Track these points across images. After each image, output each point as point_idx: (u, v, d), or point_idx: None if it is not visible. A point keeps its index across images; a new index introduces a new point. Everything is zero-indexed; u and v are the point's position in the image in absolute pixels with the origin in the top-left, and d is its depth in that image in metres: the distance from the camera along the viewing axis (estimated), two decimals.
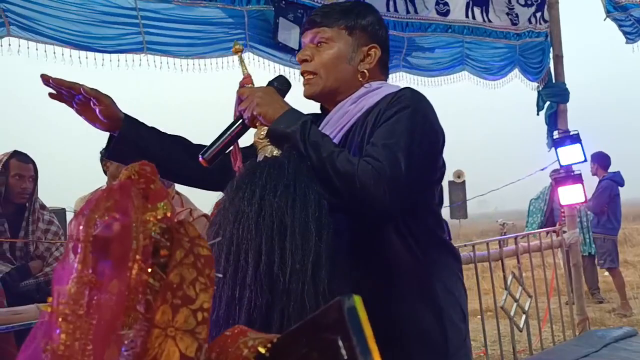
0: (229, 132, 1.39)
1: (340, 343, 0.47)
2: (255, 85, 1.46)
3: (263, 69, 4.15)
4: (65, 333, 0.51)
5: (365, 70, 1.53)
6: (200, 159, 1.37)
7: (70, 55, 3.31)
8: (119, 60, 3.46)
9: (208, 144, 1.47)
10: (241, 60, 1.48)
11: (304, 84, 1.53)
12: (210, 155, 1.38)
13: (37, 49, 3.28)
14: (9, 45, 3.20)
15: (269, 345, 0.57)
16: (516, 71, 5.01)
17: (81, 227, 0.56)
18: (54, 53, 3.33)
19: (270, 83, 1.46)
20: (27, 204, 3.20)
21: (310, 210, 1.18)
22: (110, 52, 3.51)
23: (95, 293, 0.54)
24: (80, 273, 0.54)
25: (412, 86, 5.09)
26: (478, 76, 4.85)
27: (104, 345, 0.53)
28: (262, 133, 1.36)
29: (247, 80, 1.43)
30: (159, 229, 0.60)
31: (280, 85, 1.46)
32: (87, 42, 3.41)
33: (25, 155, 3.26)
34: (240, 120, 1.38)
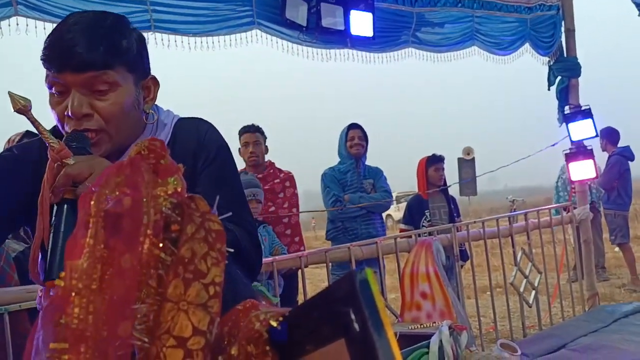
0: (61, 232, 0.93)
1: (352, 316, 0.47)
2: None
3: (271, 47, 4.13)
4: (79, 307, 0.52)
5: (150, 111, 1.26)
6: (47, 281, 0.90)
7: None
8: None
9: None
10: (34, 121, 1.03)
11: None
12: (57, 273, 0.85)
13: (44, 28, 3.28)
14: (17, 24, 3.20)
15: (280, 318, 0.57)
16: (527, 46, 4.94)
17: (92, 203, 0.56)
18: None
19: (78, 148, 1.06)
20: None
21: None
22: None
23: (108, 268, 0.54)
24: (93, 248, 0.54)
25: (421, 62, 5.01)
26: (488, 51, 4.79)
27: (117, 319, 0.53)
28: None
29: (66, 152, 0.99)
30: (170, 203, 0.60)
31: (89, 146, 1.11)
32: None
33: (37, 135, 3.24)
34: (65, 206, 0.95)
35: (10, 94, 1.02)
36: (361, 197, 4.23)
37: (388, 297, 3.60)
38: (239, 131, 4.09)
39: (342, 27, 4.17)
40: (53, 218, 0.95)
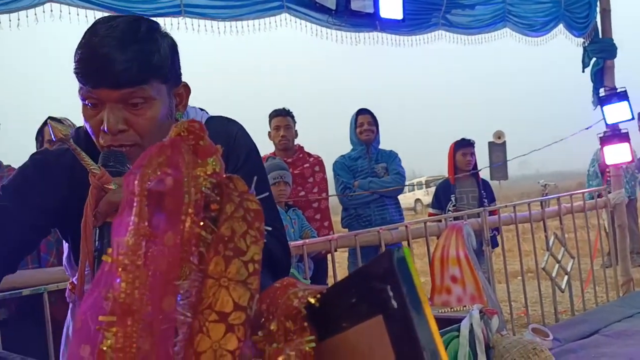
0: None
1: (390, 292, 0.48)
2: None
3: (300, 31, 4.12)
4: (126, 282, 0.54)
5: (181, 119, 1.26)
6: None
7: None
8: None
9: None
10: (74, 149, 1.05)
11: None
12: None
13: (78, 15, 3.33)
14: (51, 11, 3.26)
15: (318, 295, 0.58)
16: (561, 27, 4.83)
17: (136, 182, 0.58)
18: (95, 18, 3.37)
19: (115, 168, 1.06)
20: None
21: None
22: (148, 16, 3.53)
23: (151, 245, 0.56)
24: (137, 226, 0.56)
25: (452, 45, 4.97)
26: (520, 33, 4.70)
27: (161, 294, 0.55)
28: None
29: (107, 178, 1.01)
30: (209, 183, 0.61)
31: (126, 162, 1.10)
32: (127, 6, 3.44)
33: (59, 121, 3.22)
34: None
35: (52, 125, 1.04)
36: (371, 182, 4.16)
37: None
38: (270, 115, 4.11)
39: (371, 10, 4.14)
40: (96, 242, 0.97)
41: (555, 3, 4.74)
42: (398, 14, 4.14)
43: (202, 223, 0.59)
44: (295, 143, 4.15)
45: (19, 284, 2.41)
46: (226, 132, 1.25)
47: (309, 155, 4.15)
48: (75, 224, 1.03)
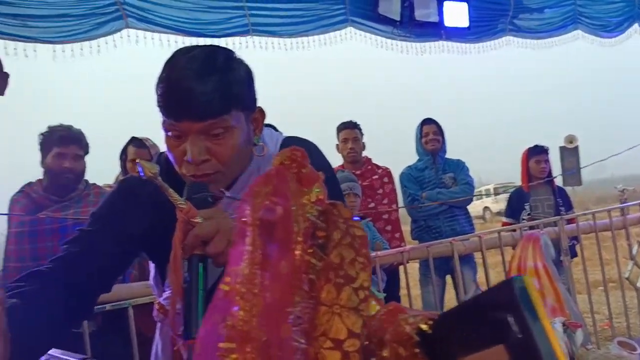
0: (200, 292, 1.00)
1: (512, 322, 0.48)
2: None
3: (365, 43, 4.15)
4: (244, 310, 0.56)
5: (260, 143, 1.25)
6: (185, 341, 0.98)
7: (183, 42, 3.49)
8: (226, 44, 3.59)
9: None
10: (161, 186, 1.05)
11: None
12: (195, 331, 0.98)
13: (152, 39, 3.49)
14: (128, 36, 3.43)
15: (430, 322, 0.58)
16: (636, 26, 4.65)
17: (247, 212, 0.59)
18: (168, 41, 3.52)
19: (201, 199, 1.08)
20: None
21: None
22: (218, 37, 3.67)
23: (265, 273, 0.58)
24: (252, 255, 0.58)
25: (520, 50, 4.83)
26: (593, 34, 4.55)
27: (277, 321, 0.56)
28: None
29: (193, 212, 1.03)
30: (315, 211, 0.63)
31: (212, 198, 1.12)
32: (197, 28, 3.57)
33: (141, 141, 3.32)
34: (202, 266, 1.02)
35: (142, 164, 1.06)
36: (439, 193, 4.09)
37: None
38: (338, 127, 4.12)
39: (435, 19, 4.11)
40: (185, 274, 0.99)
41: (629, 2, 4.56)
42: (464, 22, 4.10)
43: (311, 250, 0.60)
44: (363, 155, 4.15)
45: (102, 298, 2.51)
46: (309, 155, 1.26)
47: (377, 166, 4.14)
48: (160, 250, 1.06)
